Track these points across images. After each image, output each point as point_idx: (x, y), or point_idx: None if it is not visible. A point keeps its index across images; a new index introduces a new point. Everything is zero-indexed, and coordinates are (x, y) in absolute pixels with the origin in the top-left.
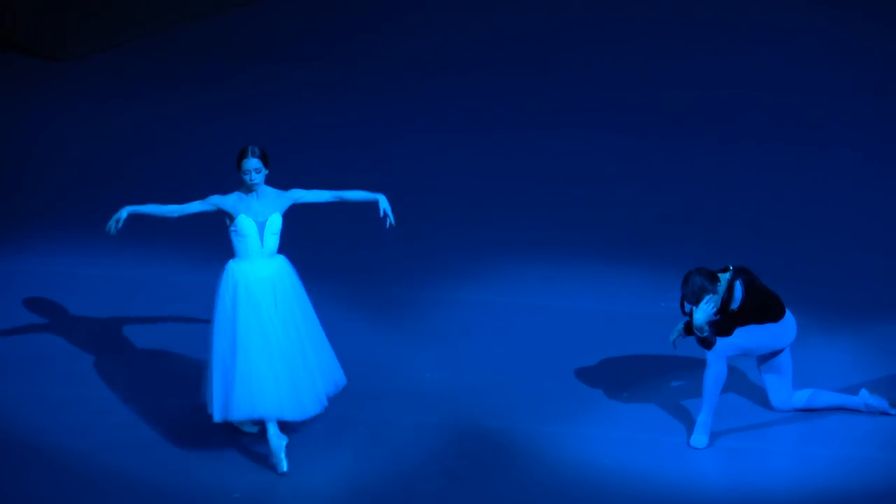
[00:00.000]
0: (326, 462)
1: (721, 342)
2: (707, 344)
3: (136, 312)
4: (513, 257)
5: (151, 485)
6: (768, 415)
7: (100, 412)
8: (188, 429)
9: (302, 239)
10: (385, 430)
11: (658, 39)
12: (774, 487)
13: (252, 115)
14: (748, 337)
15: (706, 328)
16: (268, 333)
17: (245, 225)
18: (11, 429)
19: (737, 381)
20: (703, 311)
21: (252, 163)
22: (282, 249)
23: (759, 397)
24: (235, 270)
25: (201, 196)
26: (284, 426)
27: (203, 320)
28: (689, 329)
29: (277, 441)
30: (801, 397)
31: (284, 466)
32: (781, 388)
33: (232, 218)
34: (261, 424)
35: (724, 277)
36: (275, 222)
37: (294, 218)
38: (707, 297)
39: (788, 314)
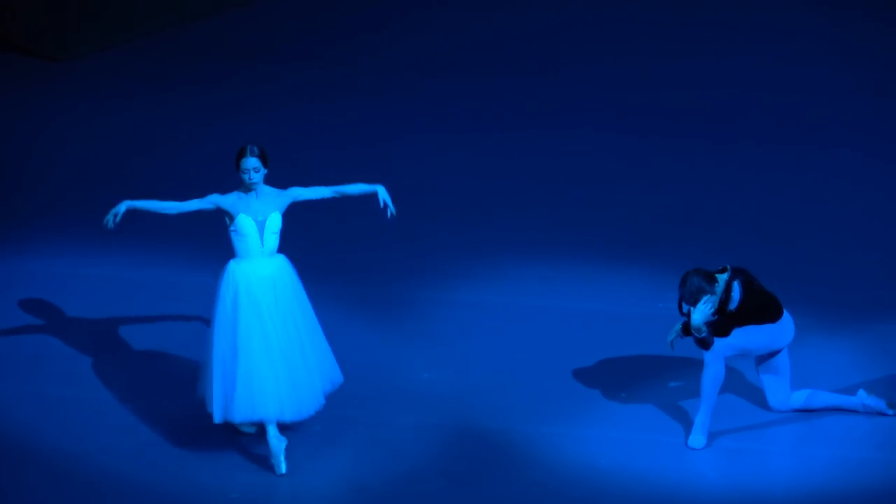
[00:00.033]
0: (325, 463)
1: (719, 343)
2: (705, 344)
3: (136, 313)
4: (512, 257)
5: (150, 486)
6: (766, 415)
7: (98, 413)
8: (187, 430)
9: (301, 239)
10: (384, 430)
11: (658, 39)
12: (772, 488)
13: (251, 115)
14: (746, 337)
15: (704, 329)
16: (268, 334)
17: (245, 224)
18: (9, 430)
19: (735, 382)
20: (701, 312)
21: (251, 162)
22: (281, 250)
23: (757, 398)
24: (236, 271)
25: (201, 196)
26: (283, 425)
27: (203, 320)
28: (686, 329)
29: (277, 443)
30: (799, 398)
31: (283, 468)
32: (779, 389)
33: (231, 217)
34: (260, 425)
35: (722, 278)
36: (274, 221)
37: (294, 218)
38: (705, 298)
39: (786, 315)
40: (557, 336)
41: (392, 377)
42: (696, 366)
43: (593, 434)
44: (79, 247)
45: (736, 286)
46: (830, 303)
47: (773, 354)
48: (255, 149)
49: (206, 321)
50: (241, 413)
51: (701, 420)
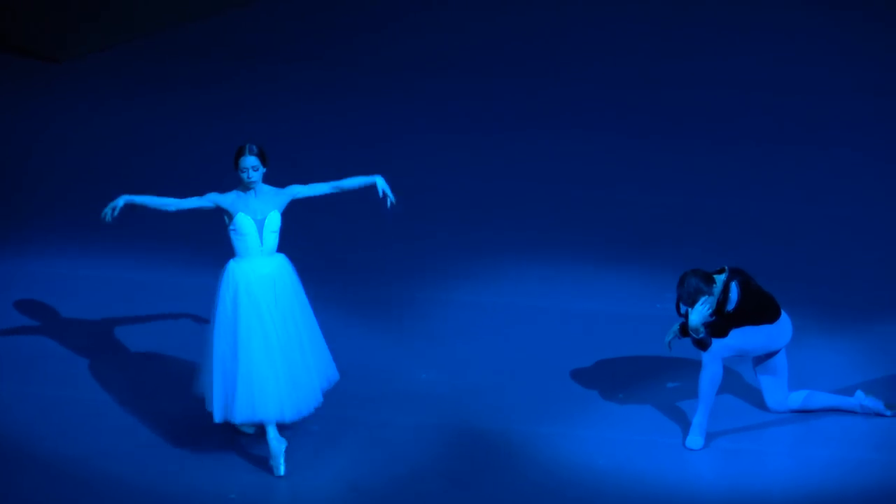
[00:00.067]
0: (324, 463)
1: (716, 343)
2: (702, 345)
3: (135, 314)
4: (511, 258)
5: (148, 487)
6: (764, 416)
7: (97, 414)
8: (186, 431)
9: (300, 240)
10: (383, 431)
11: (658, 39)
12: (770, 489)
13: (251, 116)
14: (744, 338)
15: (702, 329)
16: (269, 334)
17: (244, 223)
18: (8, 431)
19: (732, 383)
20: (699, 313)
21: (249, 160)
22: (281, 250)
23: (755, 399)
24: (236, 271)
25: (200, 195)
26: (282, 425)
27: (203, 320)
28: (684, 330)
29: (277, 444)
30: (797, 399)
31: (283, 470)
32: (777, 390)
33: (231, 216)
34: (259, 426)
35: (720, 279)
36: (274, 220)
37: (293, 219)
38: (703, 299)
39: (784, 315)
40: (556, 336)
41: (391, 378)
42: (694, 367)
43: (591, 435)
44: (78, 247)
45: (733, 287)
46: (829, 303)
47: (770, 355)
48: (254, 147)
49: (206, 321)
50: (242, 414)
51: (699, 421)
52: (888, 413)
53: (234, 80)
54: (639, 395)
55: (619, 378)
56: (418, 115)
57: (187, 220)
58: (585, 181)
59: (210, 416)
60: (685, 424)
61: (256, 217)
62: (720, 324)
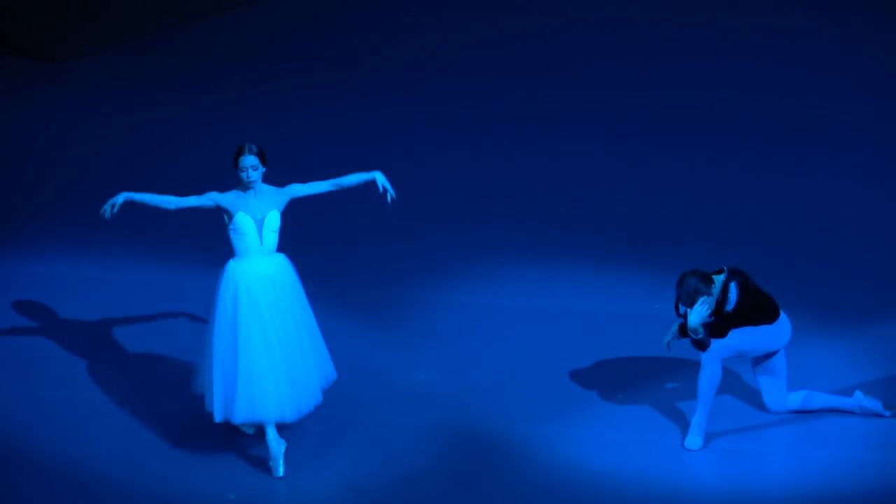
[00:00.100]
0: (323, 464)
1: (715, 344)
2: (701, 346)
3: (135, 315)
4: (511, 258)
5: (147, 488)
6: (763, 417)
7: (95, 414)
8: (184, 432)
9: (299, 241)
10: (381, 431)
11: (657, 40)
12: (769, 489)
13: (251, 116)
14: (743, 339)
15: (701, 330)
16: (269, 334)
17: (243, 223)
18: (6, 432)
19: (731, 383)
20: (698, 313)
21: (249, 160)
22: (280, 250)
23: (754, 399)
24: (236, 271)
25: (199, 194)
26: (281, 425)
27: (203, 321)
28: (683, 331)
29: (276, 446)
30: (796, 399)
31: (282, 471)
32: (776, 390)
33: (230, 216)
34: (259, 426)
35: (719, 279)
36: (273, 219)
37: (292, 219)
38: (701, 299)
39: (783, 316)
40: (555, 337)
41: (390, 378)
42: (693, 367)
43: (590, 435)
44: (78, 248)
45: (732, 287)
46: (827, 304)
47: (769, 356)
48: (254, 147)
49: (206, 322)
50: (242, 414)
51: (697, 421)
52: (887, 413)
53: (234, 81)
54: (638, 396)
55: (618, 378)
56: (418, 116)
57: (187, 220)
58: (585, 181)
59: (209, 416)
60: (684, 425)
61: (256, 216)
62: (719, 324)
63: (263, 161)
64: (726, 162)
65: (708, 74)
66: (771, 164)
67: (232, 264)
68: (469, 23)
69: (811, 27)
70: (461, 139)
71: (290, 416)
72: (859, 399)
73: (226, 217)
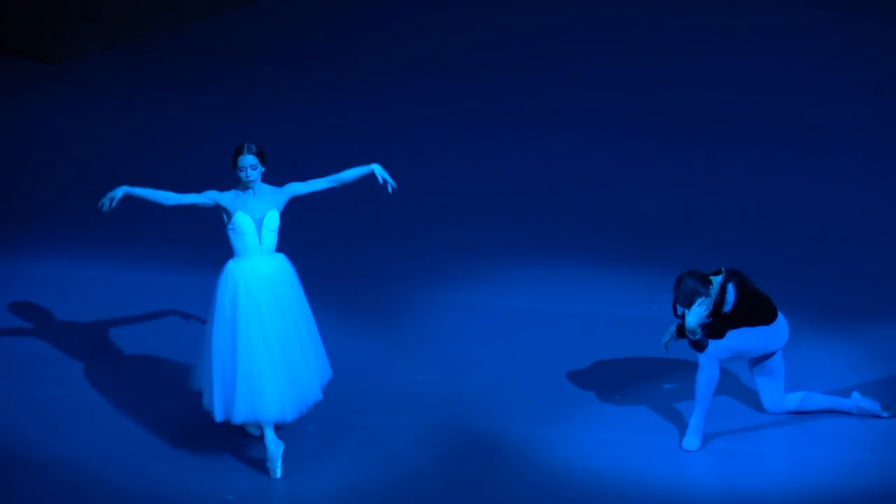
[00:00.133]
0: (321, 465)
1: (713, 345)
2: (699, 347)
3: (134, 316)
4: (510, 259)
5: (144, 490)
6: (760, 417)
7: (93, 416)
8: (183, 433)
9: (298, 241)
10: (379, 433)
11: (657, 41)
12: (767, 490)
13: (251, 116)
14: (740, 340)
15: (698, 331)
16: (268, 334)
17: (242, 222)
18: (3, 433)
19: (729, 384)
20: (696, 314)
21: (248, 159)
22: (279, 251)
23: (752, 400)
24: (235, 271)
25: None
26: (278, 426)
27: (202, 321)
28: (681, 332)
29: (274, 447)
30: (794, 400)
31: (279, 473)
32: (773, 391)
33: (229, 215)
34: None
35: (717, 280)
36: (272, 219)
37: (290, 220)
38: (699, 300)
39: (780, 317)
40: (553, 338)
41: (388, 379)
42: (691, 368)
43: (588, 436)
44: (78, 249)
45: (730, 288)
46: (825, 305)
47: (767, 356)
48: (253, 146)
49: (205, 322)
50: (242, 414)
51: (695, 422)
52: (885, 414)
53: (233, 81)
54: (635, 397)
55: (616, 379)
56: (418, 116)
57: (187, 221)
58: (584, 182)
59: (207, 417)
60: (682, 426)
61: (255, 216)
62: (717, 325)
63: (262, 161)
64: (726, 162)
65: (708, 75)
66: (770, 165)
67: (231, 264)
68: (469, 23)
69: (811, 27)
70: (461, 139)
71: (290, 415)
72: (857, 400)
73: (225, 216)
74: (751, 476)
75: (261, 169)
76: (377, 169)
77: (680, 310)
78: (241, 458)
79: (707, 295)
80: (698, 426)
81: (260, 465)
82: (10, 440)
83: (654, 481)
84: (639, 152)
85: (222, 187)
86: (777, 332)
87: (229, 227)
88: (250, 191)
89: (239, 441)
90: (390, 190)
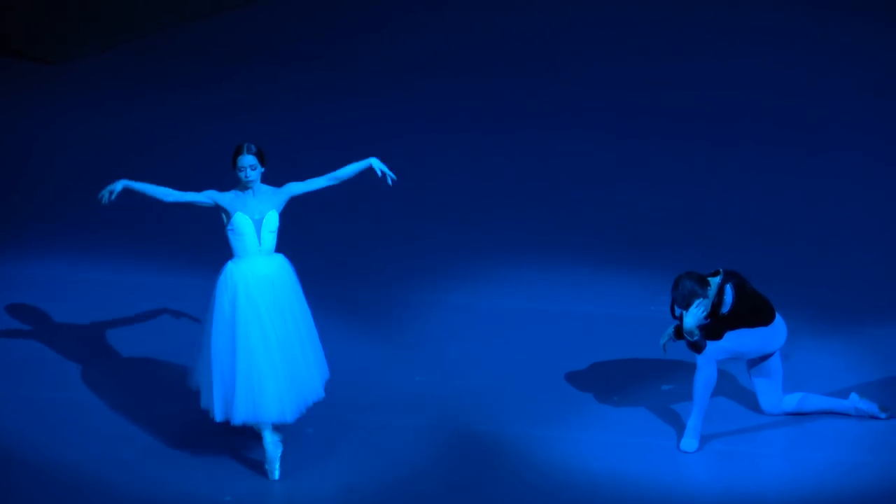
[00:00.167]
0: (319, 466)
1: (711, 346)
2: (697, 348)
3: (135, 317)
4: (509, 259)
5: (143, 491)
6: (758, 418)
7: (91, 417)
8: (181, 434)
9: (296, 242)
10: (378, 433)
11: (657, 41)
12: (765, 491)
13: (250, 116)
14: (738, 341)
15: (696, 332)
16: (267, 334)
17: (242, 223)
18: (0, 435)
19: (727, 385)
20: (694, 316)
21: (247, 159)
22: (278, 251)
23: (750, 401)
24: (234, 272)
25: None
26: (276, 427)
27: (201, 322)
28: (679, 333)
29: (274, 449)
30: (791, 401)
31: (277, 474)
32: (771, 392)
33: (228, 215)
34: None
35: (715, 281)
36: (272, 220)
37: (289, 220)
38: (697, 302)
39: (778, 318)
40: (551, 339)
41: (386, 380)
42: (689, 369)
43: (586, 437)
44: (77, 250)
45: (728, 289)
46: (823, 306)
47: (765, 358)
48: (253, 147)
49: (203, 323)
50: (242, 414)
51: (693, 423)
52: (883, 415)
53: (233, 81)
54: (633, 398)
55: (614, 380)
56: (418, 116)
57: (187, 222)
58: (584, 182)
59: (206, 418)
60: (680, 427)
61: (254, 217)
62: (715, 326)
63: (262, 161)
64: (725, 163)
65: (708, 75)
66: (770, 165)
67: (231, 265)
68: (469, 23)
69: (811, 27)
70: (461, 139)
71: (290, 416)
72: (855, 401)
73: (224, 217)
74: (749, 477)
75: (260, 169)
76: (375, 162)
77: (678, 311)
78: (240, 459)
79: (705, 296)
80: (696, 427)
81: (259, 466)
82: (9, 442)
83: (652, 482)
84: (638, 152)
85: (222, 187)
86: (775, 334)
87: (228, 227)
88: (250, 191)
89: (238, 443)
90: (390, 182)
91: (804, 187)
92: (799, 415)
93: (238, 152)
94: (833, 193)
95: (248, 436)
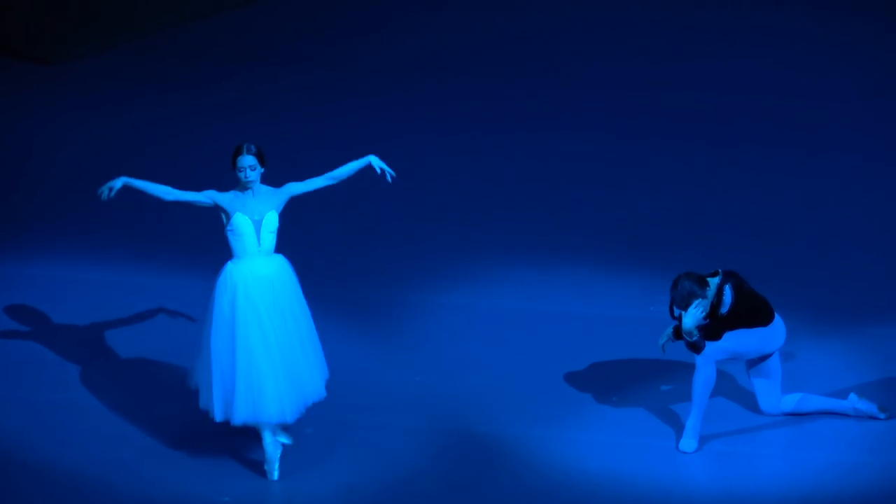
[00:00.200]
0: (319, 466)
1: (710, 346)
2: (696, 348)
3: (133, 318)
4: (508, 260)
5: (141, 492)
6: (757, 419)
7: (90, 418)
8: (180, 434)
9: (295, 242)
10: (376, 434)
11: (657, 41)
12: (763, 492)
13: (250, 117)
14: (737, 341)
15: (695, 332)
16: (267, 335)
17: (241, 223)
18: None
19: (726, 386)
20: (693, 316)
21: (247, 160)
22: (277, 251)
23: (748, 401)
24: (234, 272)
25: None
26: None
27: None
28: (678, 333)
29: (273, 449)
30: (790, 401)
31: (276, 475)
32: (770, 393)
33: (228, 216)
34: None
35: (714, 282)
36: (271, 220)
37: (288, 221)
38: (696, 302)
39: (777, 318)
40: (550, 339)
41: (385, 380)
42: (688, 369)
43: (585, 438)
44: (77, 251)
45: (727, 290)
46: (822, 306)
47: (764, 358)
48: (252, 147)
49: (202, 323)
50: (242, 415)
51: (692, 424)
52: (882, 416)
53: (233, 81)
54: (632, 398)
55: (613, 381)
56: (417, 116)
57: (187, 222)
58: (584, 183)
59: (205, 418)
60: (678, 427)
61: (254, 217)
62: (714, 327)
63: (262, 161)
64: (725, 163)
65: (708, 75)
66: (770, 166)
67: (230, 266)
68: (469, 23)
69: (811, 28)
70: (460, 140)
71: (290, 416)
72: (854, 401)
73: (224, 217)
74: (748, 478)
75: (260, 170)
76: (374, 160)
77: (677, 311)
78: (239, 460)
79: (704, 297)
80: (695, 428)
81: (258, 466)
82: (8, 443)
83: (651, 483)
84: (638, 153)
85: (221, 188)
86: (774, 334)
87: (228, 228)
88: (249, 192)
89: (237, 443)
90: (389, 179)
91: (804, 188)
92: (798, 415)
93: (238, 153)
94: (832, 194)
95: (248, 436)
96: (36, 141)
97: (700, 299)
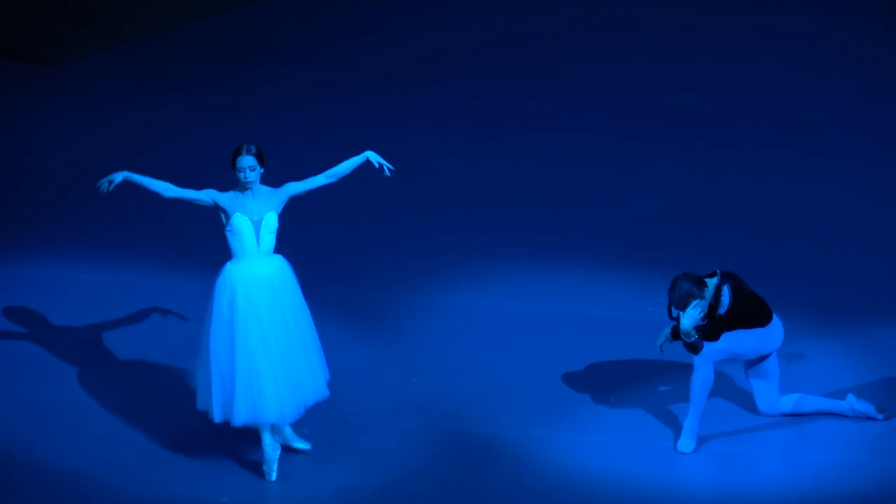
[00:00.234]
0: (317, 467)
1: (708, 347)
2: (694, 349)
3: (133, 318)
4: (507, 261)
5: (140, 492)
6: (755, 419)
7: (89, 419)
8: (179, 435)
9: (294, 243)
10: (374, 434)
11: (658, 42)
12: (762, 492)
13: (250, 117)
14: (735, 342)
15: (693, 333)
16: (266, 336)
17: (241, 223)
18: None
19: (724, 386)
20: (691, 317)
21: (246, 160)
22: (277, 252)
23: (747, 402)
24: (233, 273)
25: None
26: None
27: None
28: (676, 334)
29: (272, 450)
30: (789, 402)
31: (275, 476)
32: (768, 393)
33: (227, 216)
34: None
35: (712, 282)
36: (271, 220)
37: (288, 221)
38: (694, 303)
39: (776, 319)
40: (548, 340)
41: (384, 381)
42: (686, 370)
43: (583, 438)
44: (77, 251)
45: (725, 290)
46: (820, 307)
47: (762, 359)
48: (252, 147)
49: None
50: (242, 415)
51: (690, 424)
52: (880, 417)
53: (233, 82)
54: (630, 399)
55: (611, 381)
56: (417, 117)
57: (187, 223)
58: (583, 184)
59: (204, 419)
60: (677, 428)
61: (253, 217)
62: (712, 327)
63: (261, 162)
64: (725, 164)
65: (708, 76)
66: (770, 167)
67: (229, 266)
68: (469, 23)
69: (811, 29)
70: (460, 140)
71: (290, 417)
72: (852, 402)
73: (223, 217)
74: (746, 478)
75: (259, 170)
76: (372, 155)
77: (675, 312)
78: (238, 460)
79: (702, 297)
80: (693, 428)
81: (256, 467)
82: (7, 444)
83: (649, 484)
84: (638, 154)
85: (221, 188)
86: (772, 335)
87: (227, 228)
88: (249, 192)
89: (236, 444)
90: (387, 173)
91: (803, 189)
92: (796, 416)
93: (237, 153)
94: (832, 195)
95: (246, 437)
96: (36, 141)
97: (698, 300)
